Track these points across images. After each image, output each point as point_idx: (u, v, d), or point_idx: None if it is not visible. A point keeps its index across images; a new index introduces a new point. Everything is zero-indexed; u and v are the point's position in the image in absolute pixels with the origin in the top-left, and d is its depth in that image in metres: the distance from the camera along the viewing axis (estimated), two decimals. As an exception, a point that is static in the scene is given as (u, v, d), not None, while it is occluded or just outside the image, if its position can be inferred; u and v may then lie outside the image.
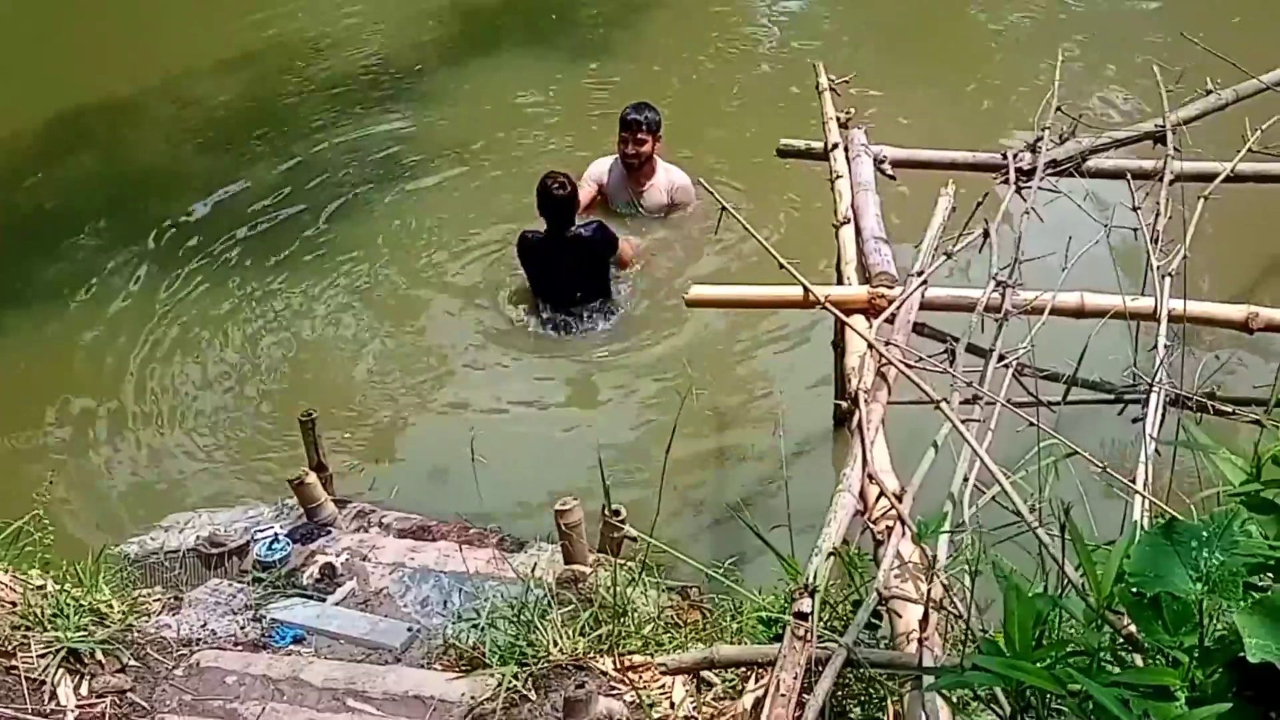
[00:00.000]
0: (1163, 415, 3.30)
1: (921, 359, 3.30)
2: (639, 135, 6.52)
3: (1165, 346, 3.34)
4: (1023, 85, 7.32)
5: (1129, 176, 4.32)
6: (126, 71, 9.16)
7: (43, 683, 3.53)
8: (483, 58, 8.93)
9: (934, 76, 8.08)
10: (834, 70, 5.43)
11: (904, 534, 2.61)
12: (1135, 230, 4.00)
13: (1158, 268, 3.67)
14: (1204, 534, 1.79)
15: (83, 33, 9.97)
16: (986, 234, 3.88)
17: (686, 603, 4.10)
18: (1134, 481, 2.76)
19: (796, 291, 3.70)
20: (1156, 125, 4.81)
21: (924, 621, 2.34)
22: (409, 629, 4.04)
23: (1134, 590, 1.76)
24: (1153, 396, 3.12)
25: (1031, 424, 2.97)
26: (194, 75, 9.11)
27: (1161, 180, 4.44)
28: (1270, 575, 1.77)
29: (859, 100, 5.33)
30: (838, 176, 4.58)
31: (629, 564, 4.03)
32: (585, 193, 6.63)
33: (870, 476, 2.82)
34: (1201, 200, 4.14)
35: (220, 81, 9.02)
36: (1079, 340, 3.40)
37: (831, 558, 2.63)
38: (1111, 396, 3.53)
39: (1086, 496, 3.03)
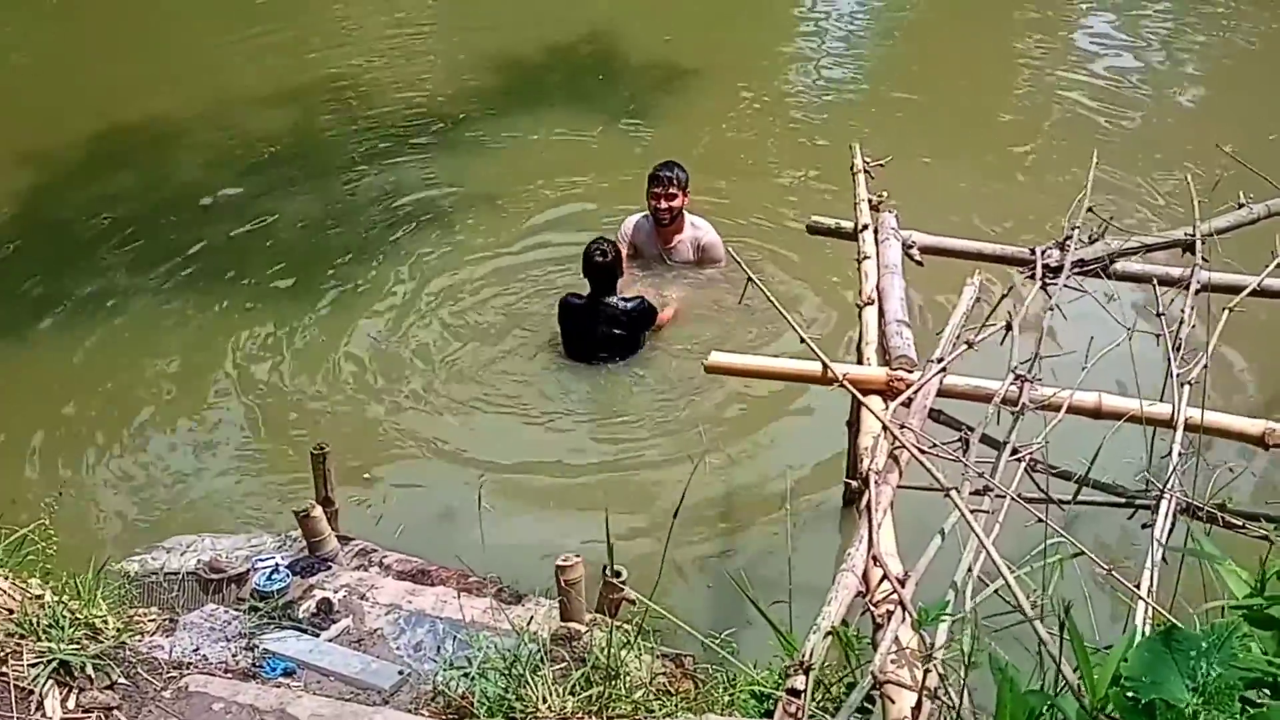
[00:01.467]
0: (1172, 523, 3.29)
1: (935, 445, 3.30)
2: (670, 190, 6.68)
3: (1179, 454, 3.34)
4: (1058, 181, 7.37)
5: (1155, 281, 4.33)
6: (177, 96, 9.39)
7: (31, 692, 3.53)
8: (524, 110, 9.08)
9: (969, 162, 8.14)
10: (872, 150, 5.50)
11: (904, 619, 2.60)
12: (1158, 336, 4.00)
13: (1177, 375, 3.67)
14: (1203, 644, 1.78)
15: (138, 56, 10.25)
16: (1009, 327, 3.88)
17: (680, 671, 4.07)
18: (1138, 586, 2.74)
19: (815, 367, 3.71)
20: (1186, 234, 4.83)
21: (916, 709, 2.32)
22: (400, 672, 4.01)
23: (1129, 695, 1.75)
24: (1163, 504, 3.11)
25: (1040, 520, 2.96)
26: (241, 105, 9.30)
27: (1187, 289, 4.46)
28: (1268, 691, 1.76)
29: (893, 179, 5.37)
30: (865, 257, 4.62)
31: (625, 626, 4.00)
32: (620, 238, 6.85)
33: (875, 558, 2.81)
34: (1226, 312, 4.14)
35: (266, 114, 9.19)
36: (1093, 437, 3.39)
37: (829, 637, 2.62)
38: (1122, 500, 3.52)
39: (1091, 597, 3.02)
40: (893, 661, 2.55)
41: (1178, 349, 3.95)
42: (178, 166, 8.64)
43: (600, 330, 6.20)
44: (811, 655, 2.47)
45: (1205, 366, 3.82)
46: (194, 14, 11.29)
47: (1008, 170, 8.10)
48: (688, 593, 4.84)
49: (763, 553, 4.91)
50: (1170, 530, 3.16)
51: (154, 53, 10.35)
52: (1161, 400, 3.67)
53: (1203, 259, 4.63)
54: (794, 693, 2.36)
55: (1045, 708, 1.85)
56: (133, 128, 8.97)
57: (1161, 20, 10.68)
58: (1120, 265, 4.70)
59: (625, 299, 6.24)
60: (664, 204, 6.68)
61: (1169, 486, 3.14)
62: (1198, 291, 4.47)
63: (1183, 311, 4.24)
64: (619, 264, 6.28)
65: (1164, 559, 3.04)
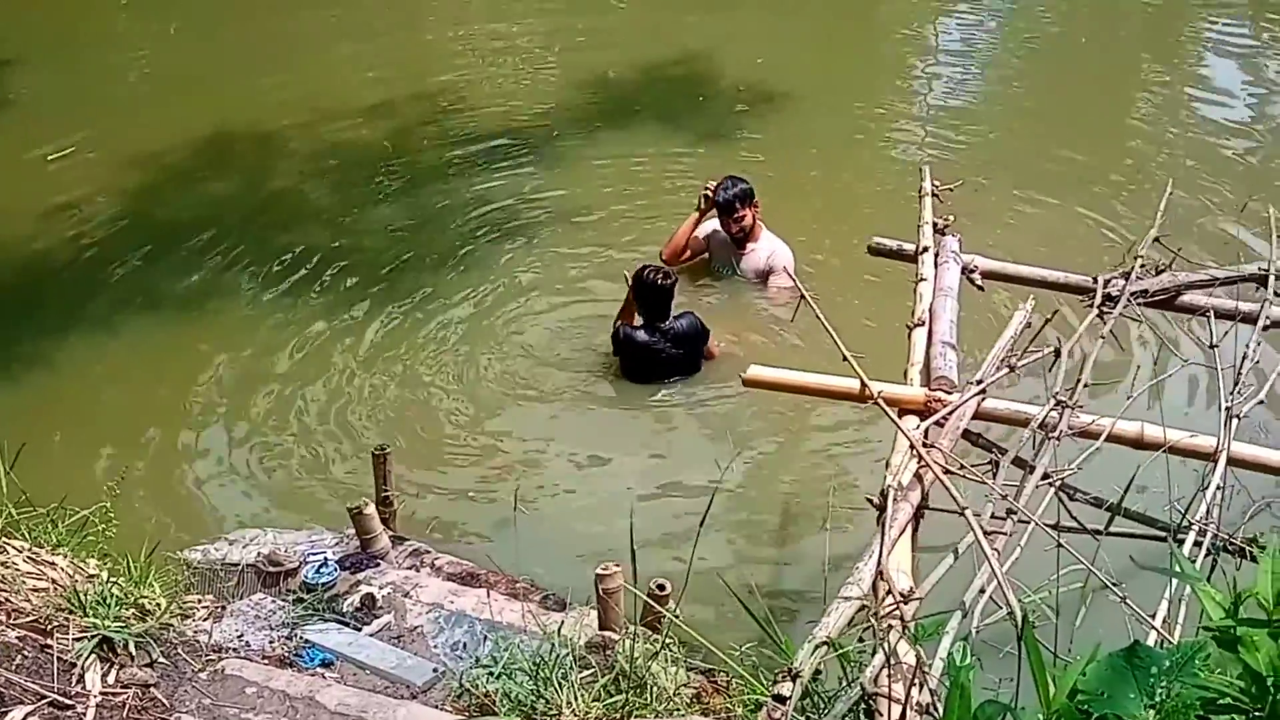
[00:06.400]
0: (1213, 560, 3.21)
1: (963, 466, 3.25)
2: (736, 214, 6.77)
3: (1218, 487, 3.24)
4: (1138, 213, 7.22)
5: (1211, 314, 4.21)
6: (278, 107, 9.66)
7: (73, 665, 3.65)
8: (615, 128, 9.17)
9: (1065, 192, 7.97)
10: (965, 175, 5.47)
11: (903, 635, 2.57)
12: (1213, 369, 3.90)
13: (1227, 408, 3.57)
14: (1166, 662, 1.74)
15: (242, 67, 10.56)
16: (1058, 353, 3.81)
17: (711, 685, 4.06)
18: (1154, 616, 2.67)
19: (854, 384, 3.68)
20: (1260, 268, 4.68)
21: (900, 722, 2.29)
22: (435, 669, 4.07)
23: (1081, 707, 1.71)
24: (1190, 536, 3.02)
25: (1060, 545, 2.91)
26: (340, 116, 9.54)
27: (1256, 324, 4.33)
28: (1226, 715, 1.71)
29: (972, 207, 5.31)
30: (921, 280, 4.57)
31: (655, 638, 4.01)
32: (694, 241, 7.01)
33: (881, 573, 2.78)
34: (1290, 347, 4.02)
35: (363, 124, 9.43)
36: (1129, 462, 3.32)
37: (826, 648, 2.60)
38: (1153, 531, 3.43)
39: (1130, 626, 2.95)
40: (890, 676, 2.52)
41: (1237, 384, 3.84)
42: (277, 173, 8.89)
43: (660, 354, 6.24)
44: (801, 663, 2.45)
45: (1261, 402, 3.72)
46: (302, 29, 11.60)
47: (1102, 207, 7.90)
48: (730, 604, 4.79)
49: (805, 567, 4.88)
50: (1202, 565, 3.07)
51: (261, 64, 10.64)
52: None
53: (1275, 294, 4.48)
54: (779, 698, 2.35)
55: (1001, 717, 1.81)
56: (237, 134, 9.25)
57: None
58: (1188, 298, 4.57)
59: (676, 318, 6.26)
60: (735, 228, 6.83)
61: (1199, 518, 3.05)
62: (1266, 327, 4.34)
63: (1247, 346, 4.10)
64: (672, 289, 6.29)
65: (1194, 592, 2.96)
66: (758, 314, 6.84)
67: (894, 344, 5.84)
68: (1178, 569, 2.20)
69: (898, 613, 2.63)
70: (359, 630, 4.33)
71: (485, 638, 4.23)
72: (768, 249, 6.89)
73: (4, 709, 3.39)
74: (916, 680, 2.35)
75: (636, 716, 3.66)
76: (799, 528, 5.20)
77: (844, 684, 2.69)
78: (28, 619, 3.76)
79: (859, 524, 4.76)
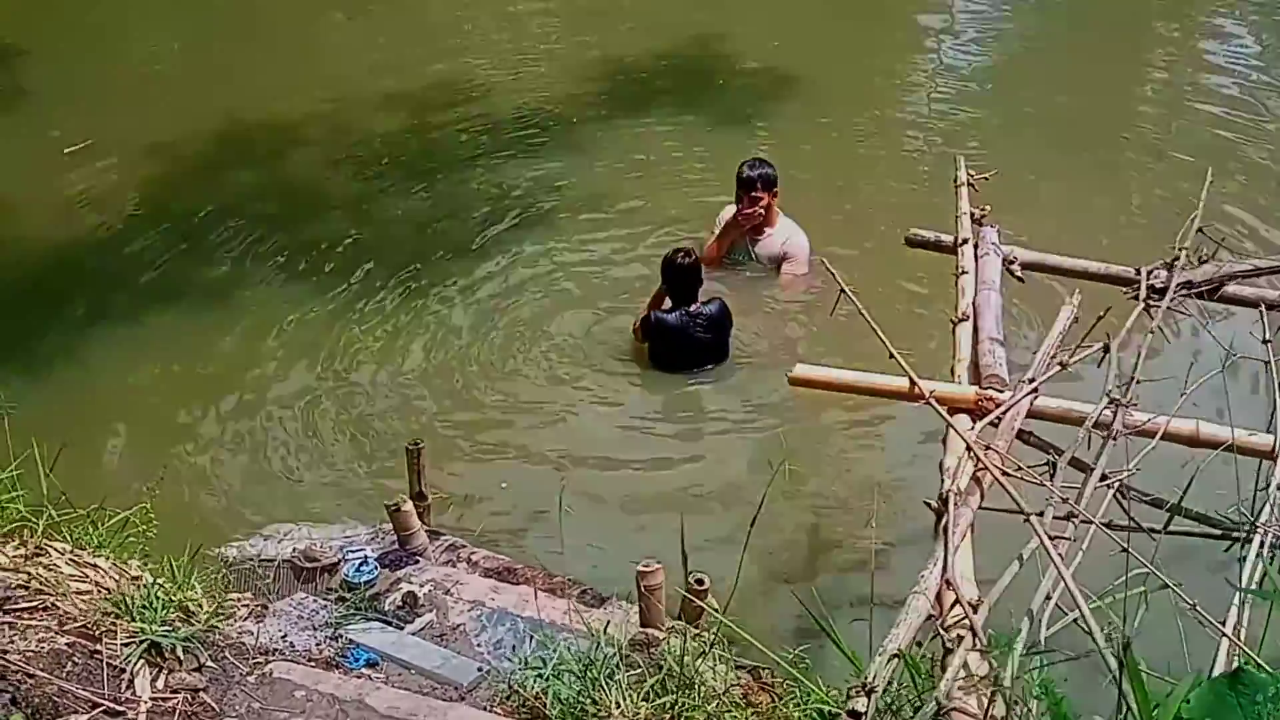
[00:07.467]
0: (1273, 558, 3.18)
1: (1021, 468, 3.23)
2: (754, 194, 6.69)
3: (1278, 487, 3.22)
4: (1175, 202, 7.15)
5: (1263, 306, 4.17)
6: (295, 96, 9.60)
7: (123, 671, 3.64)
8: (631, 115, 9.13)
9: (1085, 178, 7.93)
10: (982, 163, 5.42)
11: (974, 645, 2.55)
12: (1266, 363, 3.86)
13: (1282, 404, 3.54)
14: (1271, 689, 1.72)
15: (260, 58, 10.50)
16: (1107, 349, 3.77)
17: (758, 683, 4.05)
18: (1224, 623, 2.65)
19: (903, 383, 3.64)
20: (1304, 257, 4.65)
21: (979, 738, 2.27)
22: (479, 668, 4.06)
23: (1187, 738, 1.69)
24: (1255, 538, 3.00)
25: (1124, 549, 2.89)
26: (358, 105, 9.48)
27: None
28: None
29: (1003, 195, 5.26)
30: (963, 272, 4.53)
31: (702, 635, 3.99)
32: (711, 242, 6.94)
33: (948, 582, 2.75)
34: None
35: (381, 113, 9.37)
36: (1188, 464, 3.29)
37: (896, 660, 2.58)
38: (1214, 532, 3.41)
39: (1186, 633, 2.93)
40: (960, 688, 2.50)
41: (1287, 377, 3.81)
42: (295, 162, 8.84)
43: (694, 339, 6.22)
44: (875, 678, 2.43)
45: (1314, 396, 3.68)
46: (317, 20, 11.54)
47: (1126, 191, 7.86)
48: (774, 603, 4.77)
49: (850, 567, 4.86)
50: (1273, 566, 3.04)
51: (273, 54, 10.59)
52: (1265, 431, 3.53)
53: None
54: (855, 715, 2.33)
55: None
56: (255, 126, 9.18)
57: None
58: (1232, 288, 4.53)
59: (705, 302, 6.26)
60: (747, 207, 6.73)
61: (1264, 520, 3.03)
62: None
63: (1295, 338, 4.07)
64: (700, 269, 6.29)
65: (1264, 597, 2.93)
66: (771, 301, 6.81)
67: (919, 334, 5.86)
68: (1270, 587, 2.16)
69: (966, 623, 2.61)
70: (401, 629, 4.32)
71: (529, 636, 4.21)
72: (784, 235, 6.86)
73: (58, 717, 3.38)
74: (991, 694, 2.33)
75: (685, 717, 3.64)
76: (841, 526, 5.16)
77: (899, 691, 2.68)
78: (77, 625, 3.74)
79: (902, 524, 4.76)
